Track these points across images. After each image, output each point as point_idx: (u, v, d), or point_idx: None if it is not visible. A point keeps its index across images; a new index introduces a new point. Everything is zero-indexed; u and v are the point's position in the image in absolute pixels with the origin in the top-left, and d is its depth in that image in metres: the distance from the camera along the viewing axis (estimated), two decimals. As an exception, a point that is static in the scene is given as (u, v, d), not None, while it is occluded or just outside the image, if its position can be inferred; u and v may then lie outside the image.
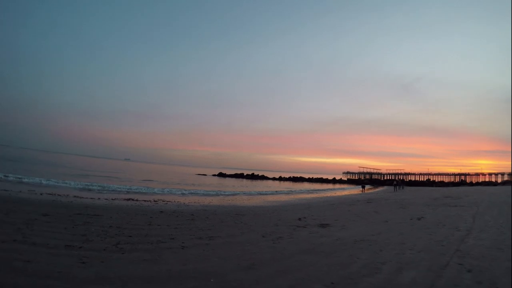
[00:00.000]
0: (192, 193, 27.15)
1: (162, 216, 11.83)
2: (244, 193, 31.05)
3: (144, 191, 24.84)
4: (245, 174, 79.37)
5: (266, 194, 32.34)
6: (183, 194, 25.72)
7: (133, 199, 18.09)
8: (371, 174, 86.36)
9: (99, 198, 17.24)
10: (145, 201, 17.81)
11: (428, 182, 73.53)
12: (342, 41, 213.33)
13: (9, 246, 5.97)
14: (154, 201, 18.15)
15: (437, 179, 76.73)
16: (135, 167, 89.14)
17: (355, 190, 46.64)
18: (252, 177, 76.98)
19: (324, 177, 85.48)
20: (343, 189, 48.75)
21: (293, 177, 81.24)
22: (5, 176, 23.68)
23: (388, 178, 79.69)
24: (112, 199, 17.26)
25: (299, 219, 12.31)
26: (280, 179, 77.68)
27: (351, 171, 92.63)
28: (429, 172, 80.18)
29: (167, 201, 18.50)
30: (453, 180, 74.60)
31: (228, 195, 28.18)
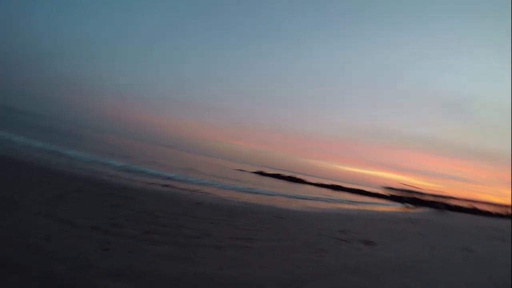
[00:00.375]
0: (230, 187, 26.48)
1: (198, 208, 11.26)
2: (283, 195, 30.01)
3: (182, 179, 24.41)
4: (284, 176, 77.43)
5: (305, 198, 30.95)
6: (221, 187, 25.11)
7: (170, 186, 17.69)
8: (412, 192, 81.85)
9: (136, 180, 16.93)
10: (182, 189, 17.37)
11: (472, 210, 68.52)
12: (394, 52, 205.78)
13: (32, 219, 5.58)
14: (192, 190, 17.64)
15: (482, 207, 71.38)
16: (177, 155, 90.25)
17: (395, 207, 44.03)
18: (291, 179, 74.96)
19: (365, 189, 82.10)
20: (383, 204, 46.05)
21: (333, 185, 78.29)
22: (47, 147, 24.09)
23: (430, 199, 75.55)
24: (148, 183, 16.94)
25: (341, 231, 11.23)
26: (319, 185, 75.12)
27: (391, 186, 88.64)
28: (474, 198, 74.79)
29: (205, 193, 17.95)
30: (499, 211, 69.19)
31: (266, 194, 27.26)
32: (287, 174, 79.81)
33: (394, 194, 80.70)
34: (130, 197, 10.29)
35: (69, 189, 9.25)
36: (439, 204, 43.08)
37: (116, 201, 8.97)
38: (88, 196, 8.97)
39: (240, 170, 74.42)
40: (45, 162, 15.66)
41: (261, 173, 75.41)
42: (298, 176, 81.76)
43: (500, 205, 70.58)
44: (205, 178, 29.18)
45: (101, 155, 28.66)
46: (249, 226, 9.26)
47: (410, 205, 53.80)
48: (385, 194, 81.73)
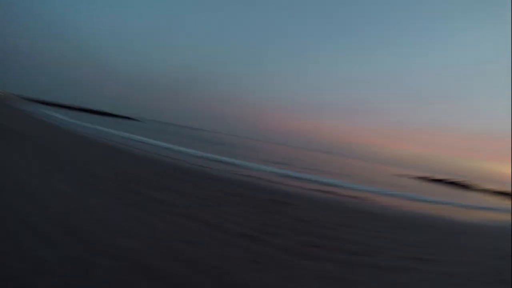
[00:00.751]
0: (393, 194, 23.89)
1: (360, 217, 10.01)
2: (454, 204, 25.53)
3: (342, 185, 23.18)
4: (450, 181, 66.38)
5: (483, 208, 25.79)
6: (383, 194, 22.86)
7: (330, 192, 16.76)
8: None
9: (295, 187, 16.59)
10: (342, 196, 16.21)
11: None
12: None
13: (178, 221, 5.32)
14: (352, 197, 16.32)
15: None
16: (334, 161, 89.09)
17: None
18: (463, 186, 63.85)
19: None
20: None
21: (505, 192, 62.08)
22: (213, 157, 26.42)
23: None
24: (308, 189, 16.40)
25: None
26: (497, 193, 61.01)
27: None
28: None
29: (366, 200, 16.38)
30: None
31: (435, 203, 23.57)
32: (455, 179, 68.99)
33: None
34: (289, 203, 9.80)
35: (229, 194, 9.34)
36: None
37: (273, 208, 8.57)
38: (245, 201, 8.83)
39: (401, 175, 68.28)
40: (206, 169, 16.91)
41: (425, 178, 67.11)
42: (469, 182, 69.56)
43: None
44: (364, 185, 27.34)
45: (261, 162, 29.99)
46: (419, 243, 7.51)
47: None
48: None
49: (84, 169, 8.83)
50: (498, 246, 8.94)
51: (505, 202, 41.98)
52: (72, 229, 4.23)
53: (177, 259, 3.78)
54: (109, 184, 7.62)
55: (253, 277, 3.63)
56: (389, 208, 14.81)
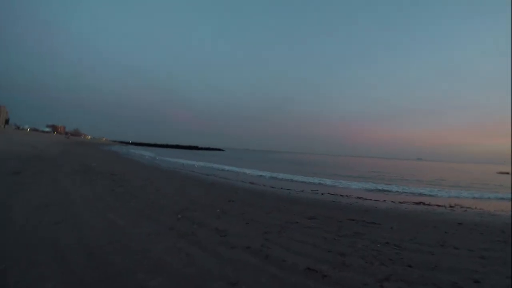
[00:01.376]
0: (493, 197, 20.68)
1: (460, 230, 8.32)
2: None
3: (435, 193, 20.69)
4: None
5: None
6: (481, 197, 19.92)
7: (423, 203, 14.90)
8: None
9: (384, 201, 15.14)
10: (438, 205, 14.27)
11: None
12: None
13: (232, 256, 4.63)
14: (450, 206, 14.27)
15: None
16: (427, 167, 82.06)
17: None
18: None
19: None
20: None
21: None
22: (294, 178, 25.72)
23: None
24: (398, 202, 14.77)
25: None
26: None
27: None
28: None
29: (466, 207, 14.22)
30: None
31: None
32: None
33: None
34: (374, 222, 8.54)
35: (302, 217, 8.47)
36: None
37: (355, 229, 7.47)
38: (322, 223, 7.84)
39: (505, 173, 60.00)
40: (285, 191, 16.14)
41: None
42: None
43: None
44: (463, 189, 24.32)
45: (346, 178, 28.43)
46: None
47: None
48: None
49: (152, 200, 8.78)
50: None
51: None
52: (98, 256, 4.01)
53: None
54: (171, 214, 7.38)
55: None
56: (492, 214, 12.61)
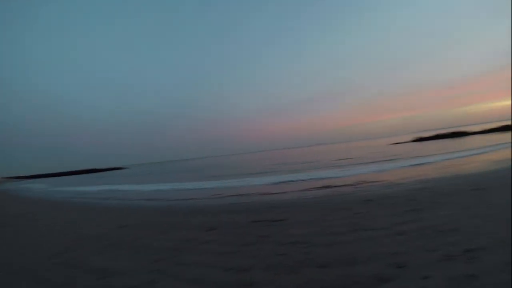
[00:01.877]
0: (394, 166, 21.98)
1: (370, 208, 7.88)
2: (457, 154, 24.44)
3: (339, 175, 21.07)
4: (444, 134, 66.56)
5: (475, 151, 25.61)
6: (382, 170, 20.88)
7: (328, 186, 14.76)
8: None
9: (289, 192, 14.59)
10: (341, 186, 14.23)
11: None
12: None
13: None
14: (355, 184, 14.32)
15: None
16: (327, 150, 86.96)
17: None
18: (453, 135, 64.15)
19: None
20: None
21: (501, 126, 62.98)
22: (195, 186, 24.23)
23: None
24: (302, 190, 14.36)
25: None
26: (485, 132, 62.26)
27: None
28: None
29: (370, 182, 14.44)
30: None
31: (440, 160, 21.91)
32: (447, 131, 69.01)
33: None
34: (279, 219, 7.64)
35: (207, 231, 7.21)
36: None
37: (259, 232, 6.47)
38: (220, 235, 6.66)
39: (395, 143, 66.80)
40: (181, 203, 14.75)
41: (419, 140, 66.38)
42: (459, 129, 69.96)
43: None
44: (362, 165, 25.52)
45: (247, 176, 27.83)
46: (450, 219, 5.66)
47: None
48: None
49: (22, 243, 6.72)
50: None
51: (496, 138, 40.97)
52: None
53: None
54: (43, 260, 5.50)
55: None
56: (397, 183, 12.89)
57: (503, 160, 16.42)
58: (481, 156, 21.27)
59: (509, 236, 4.33)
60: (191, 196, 16.81)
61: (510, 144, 26.90)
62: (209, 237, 6.55)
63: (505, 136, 41.06)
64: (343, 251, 4.58)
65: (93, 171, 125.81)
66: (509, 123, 62.35)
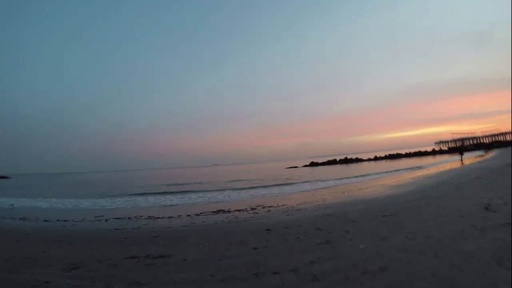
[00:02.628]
0: (292, 190, 21.81)
1: (272, 240, 6.60)
2: (354, 179, 25.86)
3: (234, 197, 20.05)
4: (338, 160, 71.95)
5: (369, 176, 27.92)
6: (280, 193, 20.55)
7: (223, 210, 13.44)
8: (465, 139, 78.35)
9: (179, 216, 12.87)
10: (238, 210, 13.02)
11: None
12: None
13: None
14: (252, 209, 13.26)
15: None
16: (224, 171, 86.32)
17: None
18: (346, 161, 69.86)
19: (422, 149, 76.88)
20: (448, 161, 39.13)
21: (389, 155, 72.99)
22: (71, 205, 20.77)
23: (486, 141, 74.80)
24: (195, 215, 12.78)
25: (486, 208, 6.65)
26: (376, 159, 70.41)
27: (443, 139, 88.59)
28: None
29: (268, 206, 13.53)
30: None
31: (337, 185, 22.66)
32: (340, 157, 74.64)
33: (452, 146, 76.01)
34: (161, 256, 5.92)
35: (56, 270, 5.19)
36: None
37: (130, 276, 4.67)
38: (81, 279, 4.62)
39: (292, 167, 69.42)
40: (52, 225, 11.31)
41: (314, 164, 70.43)
42: (351, 156, 76.62)
43: None
44: (259, 189, 24.94)
45: (139, 196, 25.23)
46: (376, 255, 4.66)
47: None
48: (445, 148, 77.16)
49: None
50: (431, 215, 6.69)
51: (383, 165, 45.48)
52: None
53: None
54: None
55: None
56: (297, 209, 12.08)
57: (399, 185, 16.91)
58: (375, 181, 22.21)
59: (452, 275, 3.43)
60: (65, 217, 13.81)
61: (403, 170, 29.43)
62: (68, 280, 4.64)
63: (394, 164, 45.55)
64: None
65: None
66: (395, 152, 71.44)
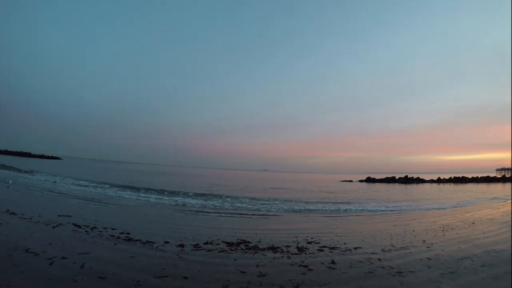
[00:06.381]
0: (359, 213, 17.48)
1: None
2: (417, 208, 19.18)
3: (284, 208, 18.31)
4: (397, 178, 65.32)
5: (456, 206, 20.37)
6: (337, 210, 18.14)
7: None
8: None
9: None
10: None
11: None
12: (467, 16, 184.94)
13: None
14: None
15: None
16: (272, 177, 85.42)
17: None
18: (406, 180, 63.36)
19: (491, 175, 69.06)
20: None
21: (454, 177, 64.74)
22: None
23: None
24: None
25: None
26: (439, 181, 63.18)
27: (506, 166, 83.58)
28: None
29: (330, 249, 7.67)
30: None
31: (404, 210, 18.28)
32: (400, 175, 69.13)
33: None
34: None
35: None
36: None
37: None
38: None
39: (347, 181, 66.94)
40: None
41: (370, 180, 66.34)
42: (410, 175, 70.42)
43: None
44: (313, 201, 23.23)
45: (182, 196, 24.59)
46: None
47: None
48: (506, 176, 72.51)
49: None
50: None
51: (448, 188, 41.44)
52: None
53: None
54: None
55: None
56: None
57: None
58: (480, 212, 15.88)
59: None
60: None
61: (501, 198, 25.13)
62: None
63: (466, 188, 41.55)
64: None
65: (24, 155, 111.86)
66: (459, 175, 65.30)
